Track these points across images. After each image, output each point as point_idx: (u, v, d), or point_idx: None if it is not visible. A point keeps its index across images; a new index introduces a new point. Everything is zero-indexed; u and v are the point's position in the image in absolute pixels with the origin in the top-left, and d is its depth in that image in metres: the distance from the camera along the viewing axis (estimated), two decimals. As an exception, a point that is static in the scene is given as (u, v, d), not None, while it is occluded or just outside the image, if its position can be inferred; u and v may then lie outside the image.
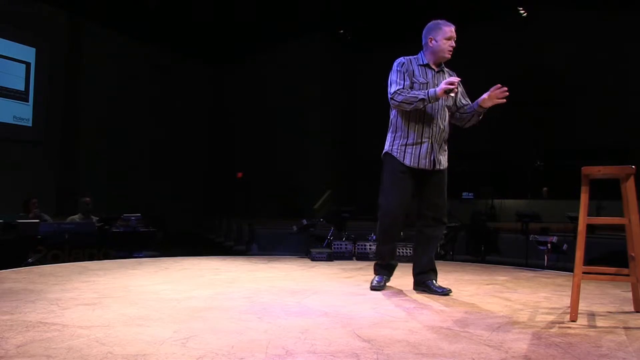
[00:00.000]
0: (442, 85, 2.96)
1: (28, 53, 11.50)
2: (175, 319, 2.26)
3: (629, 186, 2.43)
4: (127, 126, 13.37)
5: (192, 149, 15.54)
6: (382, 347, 1.86)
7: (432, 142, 3.12)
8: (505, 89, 3.04)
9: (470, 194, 11.85)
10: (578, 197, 2.45)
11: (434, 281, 3.15)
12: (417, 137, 3.12)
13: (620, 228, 2.95)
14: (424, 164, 3.12)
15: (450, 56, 3.17)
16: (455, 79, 3.01)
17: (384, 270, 3.30)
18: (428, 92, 3.01)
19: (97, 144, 12.71)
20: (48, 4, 11.68)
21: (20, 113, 11.35)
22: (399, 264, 3.50)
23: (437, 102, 3.09)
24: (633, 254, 2.44)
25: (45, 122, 11.79)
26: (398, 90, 3.08)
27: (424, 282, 3.16)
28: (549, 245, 5.15)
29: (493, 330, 2.14)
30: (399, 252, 4.98)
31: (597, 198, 7.69)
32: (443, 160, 3.19)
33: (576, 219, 2.53)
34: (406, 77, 3.14)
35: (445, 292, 3.05)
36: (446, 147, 3.23)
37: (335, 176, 14.36)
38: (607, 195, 5.77)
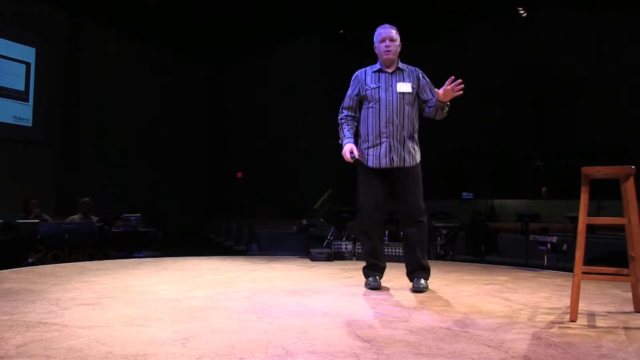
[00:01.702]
0: (346, 153, 3.23)
1: (28, 53, 11.50)
2: (175, 319, 2.26)
3: (629, 186, 2.43)
4: (127, 126, 13.37)
5: (192, 148, 15.54)
6: (382, 347, 1.86)
7: (390, 142, 3.20)
8: (460, 81, 3.10)
9: (470, 194, 11.86)
10: (578, 197, 2.45)
11: (417, 279, 3.20)
12: (375, 138, 3.24)
13: (620, 228, 2.95)
14: (385, 163, 3.22)
15: (388, 56, 3.28)
16: (347, 157, 3.22)
17: (371, 271, 3.35)
18: (344, 142, 3.31)
19: (97, 144, 12.70)
20: (48, 4, 11.68)
21: (20, 113, 11.35)
22: (398, 264, 3.52)
23: (391, 102, 3.23)
24: (633, 254, 2.44)
25: (45, 122, 11.79)
26: (342, 117, 3.41)
27: (412, 281, 3.23)
28: (548, 245, 5.16)
29: (493, 330, 2.14)
30: (394, 253, 4.99)
31: (597, 198, 7.69)
32: (408, 157, 3.23)
33: (576, 219, 2.53)
34: (355, 89, 3.37)
35: (417, 289, 3.12)
36: (413, 144, 3.26)
37: (335, 176, 14.35)
38: (607, 195, 5.77)
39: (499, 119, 12.43)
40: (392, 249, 5.03)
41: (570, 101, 11.97)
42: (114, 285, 3.22)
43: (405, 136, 3.23)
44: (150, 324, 2.16)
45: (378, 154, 3.22)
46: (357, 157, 3.24)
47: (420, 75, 3.33)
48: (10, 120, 11.16)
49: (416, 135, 3.30)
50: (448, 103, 3.19)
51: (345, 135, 3.31)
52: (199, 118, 15.98)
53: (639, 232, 2.40)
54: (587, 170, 2.45)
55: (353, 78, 3.41)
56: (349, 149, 3.23)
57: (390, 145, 3.21)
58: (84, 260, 5.49)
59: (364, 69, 3.40)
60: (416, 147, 3.28)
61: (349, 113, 3.39)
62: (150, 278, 3.62)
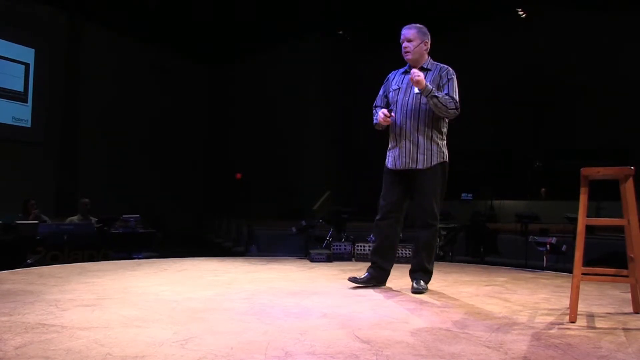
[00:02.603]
0: (381, 115, 3.27)
1: (27, 54, 11.48)
2: (174, 320, 2.25)
3: (628, 187, 2.43)
4: (126, 127, 13.34)
5: (191, 149, 15.52)
6: (381, 348, 1.86)
7: (404, 143, 3.25)
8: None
9: (469, 195, 11.84)
10: (577, 198, 2.45)
11: (417, 280, 3.22)
12: (393, 140, 3.34)
13: (619, 229, 2.95)
14: (398, 164, 3.29)
15: (407, 57, 3.34)
16: (383, 116, 3.25)
17: (370, 268, 3.39)
18: (376, 118, 3.38)
19: (96, 145, 12.68)
20: (48, 4, 11.67)
21: (19, 114, 11.33)
22: (397, 265, 3.53)
23: (406, 104, 3.27)
24: (632, 255, 2.43)
25: (45, 123, 11.77)
26: (374, 106, 3.52)
27: (412, 281, 3.26)
28: (548, 246, 5.16)
29: (492, 331, 2.14)
30: (399, 253, 4.98)
31: (596, 199, 7.68)
32: (422, 158, 3.21)
33: (575, 219, 2.53)
34: (383, 89, 3.50)
35: (415, 290, 3.13)
36: (430, 145, 3.21)
37: (335, 177, 14.35)
38: (606, 196, 5.76)
39: (499, 119, 12.43)
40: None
41: (570, 102, 11.98)
42: (113, 286, 3.22)
43: (420, 137, 3.22)
44: (149, 325, 2.16)
45: (394, 155, 3.31)
46: (392, 115, 3.27)
47: (444, 73, 3.27)
48: (9, 121, 11.14)
49: (437, 136, 3.24)
50: (430, 94, 3.11)
51: (377, 112, 3.39)
52: (199, 118, 15.96)
53: (638, 233, 2.40)
54: (586, 171, 2.45)
55: (385, 79, 3.52)
56: (382, 111, 3.28)
57: (404, 147, 3.25)
58: (83, 261, 5.49)
59: (396, 70, 3.49)
60: (434, 148, 3.22)
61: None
62: (150, 279, 3.62)
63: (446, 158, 3.28)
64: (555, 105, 12.19)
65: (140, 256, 5.84)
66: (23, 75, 11.42)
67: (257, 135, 15.12)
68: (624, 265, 2.58)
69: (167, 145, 14.49)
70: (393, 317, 2.42)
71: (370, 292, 3.15)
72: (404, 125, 3.25)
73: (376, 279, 3.35)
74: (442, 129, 3.29)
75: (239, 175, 15.28)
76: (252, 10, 12.67)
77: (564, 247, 5.23)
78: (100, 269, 4.16)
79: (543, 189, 12.13)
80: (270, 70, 14.91)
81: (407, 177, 3.28)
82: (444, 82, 3.25)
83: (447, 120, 3.32)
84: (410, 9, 11.35)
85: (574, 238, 2.49)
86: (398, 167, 3.28)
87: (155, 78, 14.10)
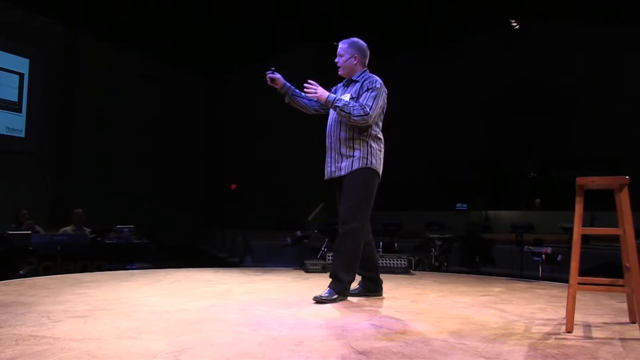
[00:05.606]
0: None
1: (22, 64, 11.48)
2: (168, 332, 2.23)
3: (623, 196, 2.44)
4: (121, 137, 13.32)
5: (186, 160, 15.50)
6: (377, 359, 1.84)
7: (330, 153, 3.33)
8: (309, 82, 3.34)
9: (464, 205, 11.87)
10: (571, 208, 2.45)
11: (328, 288, 3.19)
12: (326, 151, 3.38)
13: (614, 239, 2.95)
14: (327, 174, 3.36)
15: (339, 71, 3.49)
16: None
17: (360, 280, 3.44)
18: None
19: (90, 155, 12.65)
20: (43, 14, 11.68)
21: (13, 124, 11.30)
22: (393, 276, 3.52)
23: (332, 114, 3.35)
24: (628, 265, 2.44)
25: (39, 133, 11.75)
26: None
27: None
28: (543, 256, 5.16)
29: (489, 342, 2.13)
30: (388, 264, 4.96)
31: (590, 209, 7.69)
32: (345, 165, 3.23)
33: (570, 229, 2.54)
34: None
35: (316, 299, 3.06)
36: (352, 152, 3.21)
37: (329, 188, 14.34)
38: (600, 206, 5.78)
39: (493, 130, 12.49)
40: (386, 260, 5.01)
41: (564, 112, 12.06)
42: (106, 297, 3.19)
43: (342, 146, 3.25)
44: (143, 337, 2.13)
45: (325, 166, 3.36)
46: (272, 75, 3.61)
47: (365, 83, 3.26)
48: (3, 131, 11.11)
49: (362, 144, 3.20)
50: (332, 105, 3.20)
51: None
52: (194, 130, 15.97)
53: (634, 242, 2.41)
54: (581, 181, 2.46)
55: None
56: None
57: (330, 157, 3.33)
58: (76, 272, 5.44)
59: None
60: (357, 155, 3.19)
61: None
62: (144, 290, 3.59)
63: (371, 165, 3.19)
64: (549, 116, 12.26)
65: (134, 267, 5.80)
66: (17, 85, 11.40)
67: (252, 146, 15.11)
68: (620, 275, 2.58)
69: (162, 155, 14.47)
70: (389, 327, 2.40)
71: (365, 303, 3.14)
72: (331, 136, 3.33)
73: (366, 288, 3.38)
74: (368, 139, 3.21)
75: (233, 186, 15.25)
76: (246, 21, 12.74)
77: (559, 257, 5.23)
78: (94, 279, 4.13)
79: (537, 200, 12.17)
80: (264, 81, 14.91)
81: (336, 186, 3.33)
82: (363, 91, 3.23)
83: (376, 129, 3.26)
84: (405, 22, 11.45)
85: (569, 248, 2.49)
86: (327, 177, 3.35)
87: (150, 88, 14.11)
